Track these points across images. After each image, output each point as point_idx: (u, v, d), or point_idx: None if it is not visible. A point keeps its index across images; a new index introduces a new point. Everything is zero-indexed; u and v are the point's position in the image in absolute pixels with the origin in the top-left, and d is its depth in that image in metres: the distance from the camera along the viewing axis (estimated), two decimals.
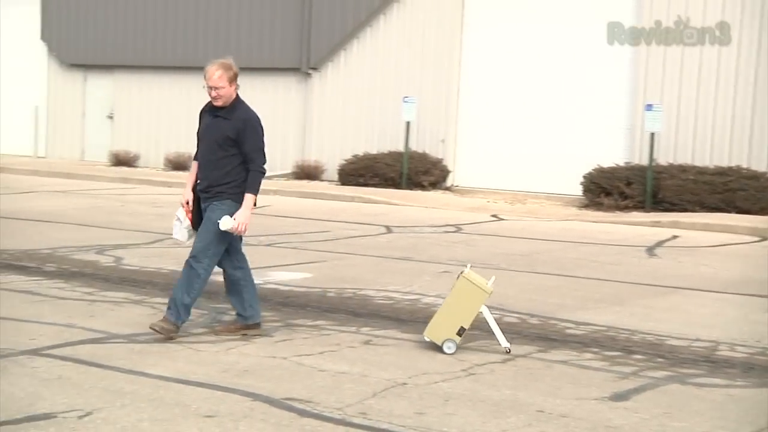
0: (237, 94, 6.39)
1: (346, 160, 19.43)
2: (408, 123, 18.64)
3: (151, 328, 6.23)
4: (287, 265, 9.74)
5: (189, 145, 21.57)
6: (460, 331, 6.21)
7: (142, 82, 22.89)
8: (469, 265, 6.66)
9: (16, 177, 19.64)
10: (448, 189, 18.95)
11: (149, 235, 11.49)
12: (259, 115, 6.46)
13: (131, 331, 6.45)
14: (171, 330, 6.23)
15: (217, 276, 8.72)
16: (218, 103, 6.32)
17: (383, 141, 19.77)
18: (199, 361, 5.73)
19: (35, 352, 5.73)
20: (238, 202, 6.30)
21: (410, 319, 7.29)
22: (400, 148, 18.89)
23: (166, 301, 7.43)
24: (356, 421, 4.74)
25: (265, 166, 6.48)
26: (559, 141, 18.00)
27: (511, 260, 10.44)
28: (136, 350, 5.96)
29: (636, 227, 14.03)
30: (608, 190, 16.06)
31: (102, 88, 23.48)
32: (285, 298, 7.91)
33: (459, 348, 6.16)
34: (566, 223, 14.40)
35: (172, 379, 5.28)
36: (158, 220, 12.77)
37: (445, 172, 19.00)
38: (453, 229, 13.46)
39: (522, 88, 18.46)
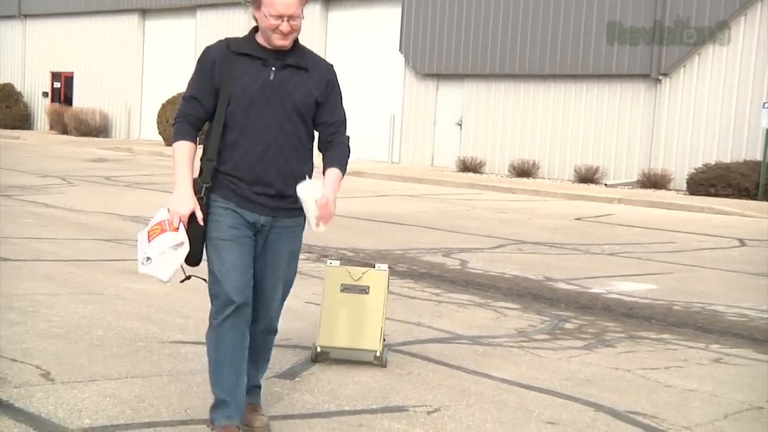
0: None
1: (695, 169, 18.66)
2: (767, 130, 17.50)
3: None
4: (631, 275, 9.51)
5: (533, 152, 22.20)
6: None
7: (489, 91, 23.48)
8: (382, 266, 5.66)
9: (373, 181, 20.95)
10: None
11: (493, 239, 11.74)
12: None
13: (475, 333, 6.62)
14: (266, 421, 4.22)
15: (557, 282, 8.77)
16: (286, 42, 3.93)
17: (738, 149, 18.76)
18: (541, 367, 5.76)
19: (389, 347, 6.06)
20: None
21: (767, 338, 6.82)
22: (757, 156, 17.82)
23: (509, 305, 7.62)
24: None
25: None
26: None
27: None
28: (480, 352, 6.10)
29: None
30: None
31: (452, 96, 24.42)
32: (629, 309, 7.73)
33: None
34: None
35: (515, 383, 5.35)
36: (502, 226, 13.01)
37: None
38: None
39: None
